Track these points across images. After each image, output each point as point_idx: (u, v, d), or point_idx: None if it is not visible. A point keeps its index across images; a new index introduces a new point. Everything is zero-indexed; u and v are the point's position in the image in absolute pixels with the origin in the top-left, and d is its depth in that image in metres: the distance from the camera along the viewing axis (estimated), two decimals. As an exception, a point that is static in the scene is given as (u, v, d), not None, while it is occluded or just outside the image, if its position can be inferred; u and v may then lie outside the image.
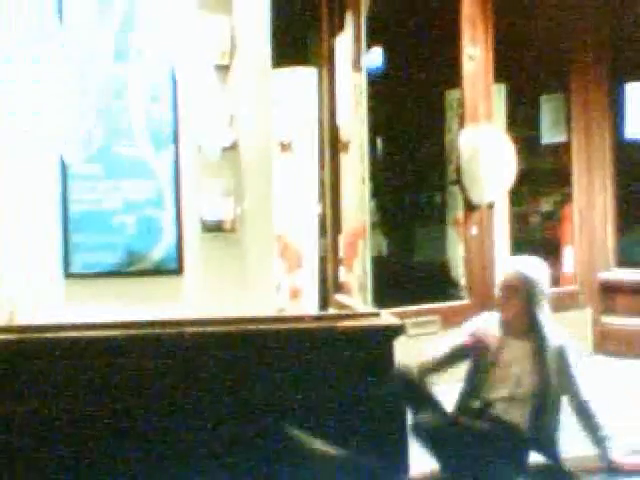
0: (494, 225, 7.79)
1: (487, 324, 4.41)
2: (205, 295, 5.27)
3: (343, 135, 6.73)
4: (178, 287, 5.28)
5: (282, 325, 4.77)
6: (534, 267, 4.40)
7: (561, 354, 4.22)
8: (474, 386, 4.33)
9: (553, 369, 4.21)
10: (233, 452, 4.24)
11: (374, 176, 7.52)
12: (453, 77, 7.93)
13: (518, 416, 4.21)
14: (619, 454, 4.16)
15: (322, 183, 7.03)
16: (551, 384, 4.21)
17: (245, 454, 4.30)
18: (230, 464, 4.19)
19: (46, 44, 5.11)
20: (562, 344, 4.24)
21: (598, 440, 4.21)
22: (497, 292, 4.40)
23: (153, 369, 4.37)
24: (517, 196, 8.67)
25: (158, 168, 5.30)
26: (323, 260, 6.97)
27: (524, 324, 4.28)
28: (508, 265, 4.48)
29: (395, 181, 9.82)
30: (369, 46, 6.69)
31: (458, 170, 7.72)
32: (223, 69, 5.34)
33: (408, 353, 4.58)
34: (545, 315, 4.31)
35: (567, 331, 7.97)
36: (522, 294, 4.27)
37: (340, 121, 6.78)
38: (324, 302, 6.76)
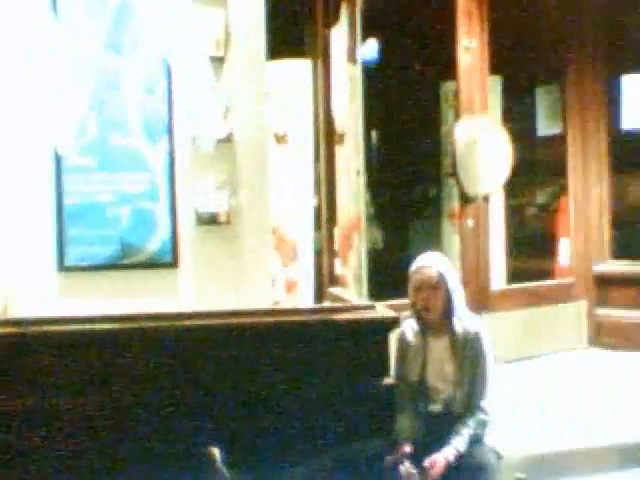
0: (490, 217, 7.78)
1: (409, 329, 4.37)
2: (200, 288, 5.26)
3: (338, 127, 6.71)
4: (173, 280, 5.27)
5: (277, 318, 4.76)
6: (445, 261, 4.35)
7: (476, 340, 4.21)
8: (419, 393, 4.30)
9: (471, 355, 4.21)
10: (228, 445, 4.23)
11: (369, 168, 7.51)
12: (449, 69, 7.92)
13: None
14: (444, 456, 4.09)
15: (317, 175, 7.02)
16: (473, 370, 4.21)
17: (241, 447, 4.30)
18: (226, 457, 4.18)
19: (40, 36, 5.09)
20: (477, 330, 4.23)
21: (456, 430, 4.13)
22: (417, 295, 4.30)
23: (148, 362, 4.36)
24: (513, 188, 8.66)
25: (152, 160, 5.28)
26: (318, 253, 6.96)
27: (445, 320, 4.26)
28: (422, 265, 4.34)
29: (390, 173, 9.79)
30: (364, 38, 6.67)
31: (453, 162, 7.71)
32: (218, 61, 5.32)
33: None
34: (462, 306, 4.29)
35: (562, 323, 8.06)
36: (444, 291, 4.24)
37: (335, 113, 6.76)
38: (319, 295, 6.75)
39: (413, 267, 4.31)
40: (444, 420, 4.16)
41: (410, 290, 4.29)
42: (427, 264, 4.28)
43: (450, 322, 4.23)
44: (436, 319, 4.24)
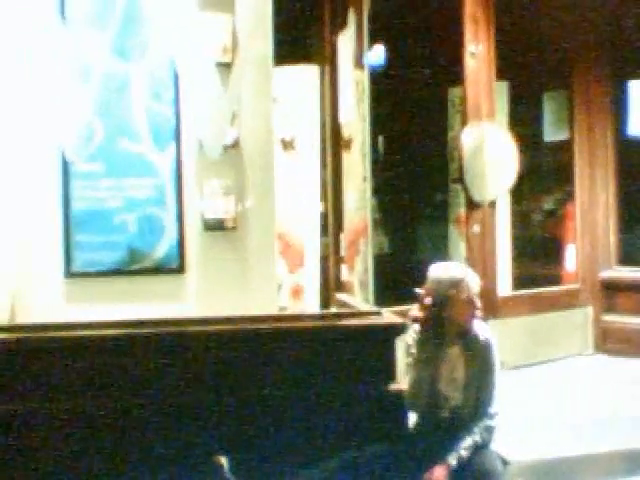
0: (496, 223, 7.78)
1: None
2: (207, 294, 5.26)
3: (345, 133, 6.71)
4: (180, 286, 5.27)
5: (284, 324, 4.77)
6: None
7: (486, 347, 4.22)
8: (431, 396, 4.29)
9: (480, 363, 4.22)
10: (234, 450, 4.24)
11: (376, 174, 7.50)
12: (455, 75, 7.93)
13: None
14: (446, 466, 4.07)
15: (324, 181, 7.02)
16: (481, 376, 4.22)
17: (247, 453, 4.30)
18: (231, 462, 4.19)
19: (47, 40, 5.10)
20: (486, 336, 4.25)
21: (462, 436, 4.13)
22: (470, 306, 4.28)
23: (155, 368, 4.37)
24: (519, 194, 8.66)
25: (160, 166, 5.28)
26: (325, 259, 6.95)
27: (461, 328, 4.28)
28: (454, 274, 4.33)
29: (397, 179, 9.79)
30: (371, 44, 6.68)
31: (460, 168, 7.71)
32: (225, 66, 5.32)
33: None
34: None
35: (568, 330, 8.05)
36: (471, 298, 4.26)
37: (342, 119, 6.76)
38: (326, 301, 6.74)
39: (458, 277, 4.26)
40: (451, 426, 4.17)
41: (456, 301, 4.22)
42: (459, 274, 4.29)
43: (466, 329, 4.25)
44: (462, 328, 4.26)
